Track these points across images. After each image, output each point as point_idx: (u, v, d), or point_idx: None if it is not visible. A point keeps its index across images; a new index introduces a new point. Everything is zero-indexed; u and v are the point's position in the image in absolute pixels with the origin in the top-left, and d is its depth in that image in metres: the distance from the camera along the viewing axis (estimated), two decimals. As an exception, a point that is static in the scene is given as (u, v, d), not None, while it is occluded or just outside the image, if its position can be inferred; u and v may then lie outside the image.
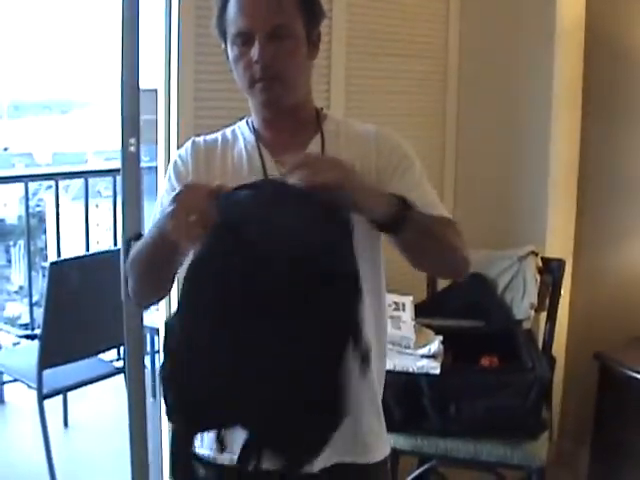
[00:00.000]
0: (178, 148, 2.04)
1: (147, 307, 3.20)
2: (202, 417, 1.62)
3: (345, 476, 1.89)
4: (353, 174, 1.65)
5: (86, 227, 5.50)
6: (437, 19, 3.89)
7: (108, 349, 4.63)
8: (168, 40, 2.99)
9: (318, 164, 1.62)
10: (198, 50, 2.95)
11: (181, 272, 1.74)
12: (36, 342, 4.03)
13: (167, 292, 1.93)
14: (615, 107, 3.81)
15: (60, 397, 4.50)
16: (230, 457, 1.75)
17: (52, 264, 4.07)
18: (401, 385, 2.94)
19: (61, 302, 4.00)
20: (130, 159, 2.96)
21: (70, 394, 4.56)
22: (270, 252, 1.51)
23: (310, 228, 1.55)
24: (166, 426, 3.24)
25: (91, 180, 5.91)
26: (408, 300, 3.18)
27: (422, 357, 3.04)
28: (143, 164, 3.08)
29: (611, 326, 3.79)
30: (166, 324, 1.66)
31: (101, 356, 4.54)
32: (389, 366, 2.91)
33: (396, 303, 3.17)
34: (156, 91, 3.06)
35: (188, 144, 1.98)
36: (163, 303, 3.09)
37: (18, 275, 16.30)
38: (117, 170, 3.33)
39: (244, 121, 2.00)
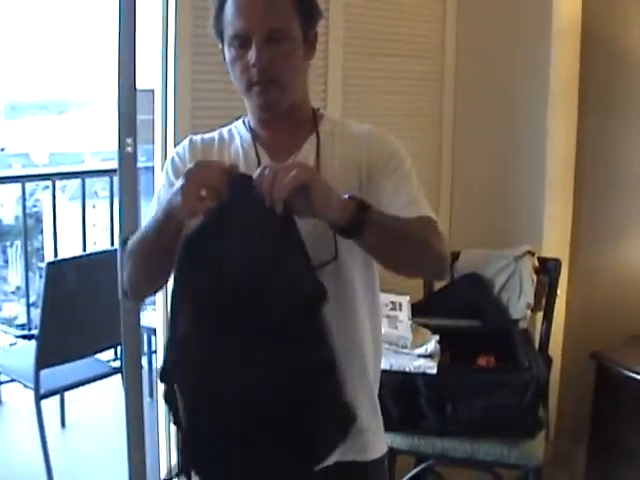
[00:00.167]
0: (175, 148, 2.05)
1: (142, 301, 3.20)
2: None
3: (345, 474, 1.91)
4: (316, 176, 1.65)
5: (83, 227, 5.49)
6: (434, 19, 3.90)
7: (105, 349, 4.62)
8: (165, 40, 2.98)
9: (280, 172, 1.59)
10: (195, 50, 2.95)
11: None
12: (33, 342, 4.03)
13: (164, 282, 1.92)
14: (611, 107, 3.82)
15: (57, 397, 4.50)
16: None
17: (49, 264, 4.07)
18: (398, 385, 2.94)
19: (58, 302, 4.00)
20: (127, 159, 2.96)
21: (67, 394, 4.56)
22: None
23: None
24: (163, 425, 3.25)
25: (88, 180, 5.90)
26: (405, 300, 3.18)
27: (419, 357, 3.04)
28: (140, 164, 3.08)
29: (607, 325, 3.80)
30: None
31: (98, 356, 4.54)
32: (386, 366, 2.94)
33: (393, 303, 3.17)
34: (153, 91, 3.06)
35: (185, 142, 1.99)
36: (160, 303, 3.10)
37: (15, 275, 16.27)
38: (114, 170, 3.32)
39: (240, 120, 2.00)
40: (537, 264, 3.52)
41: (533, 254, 3.53)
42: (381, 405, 2.03)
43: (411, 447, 3.02)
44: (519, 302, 3.46)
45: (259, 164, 1.88)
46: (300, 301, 1.61)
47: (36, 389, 3.95)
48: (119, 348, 4.40)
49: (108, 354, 4.94)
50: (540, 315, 3.50)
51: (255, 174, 1.60)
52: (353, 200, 1.66)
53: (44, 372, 3.96)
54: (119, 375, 4.20)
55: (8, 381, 4.77)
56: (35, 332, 4.09)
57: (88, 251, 5.44)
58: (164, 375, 1.74)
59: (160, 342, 3.29)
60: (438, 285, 3.64)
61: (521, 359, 3.05)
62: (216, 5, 1.85)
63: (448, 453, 2.99)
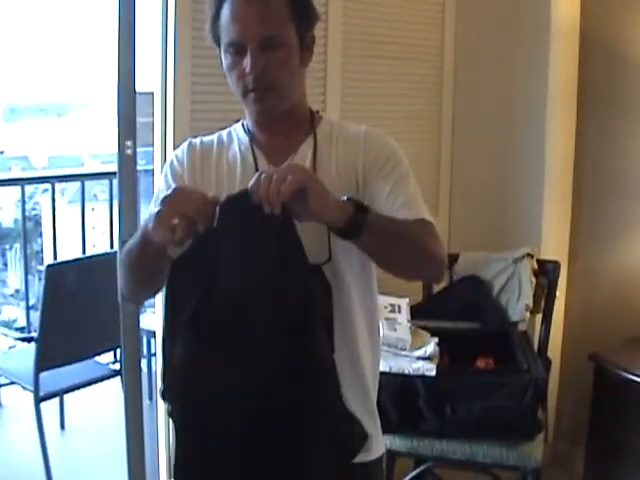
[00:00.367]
0: (174, 151, 2.05)
1: (141, 304, 3.20)
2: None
3: (341, 474, 1.90)
4: (314, 178, 1.65)
5: (82, 230, 5.49)
6: (433, 22, 3.90)
7: (105, 352, 4.63)
8: (164, 43, 2.99)
9: (276, 175, 1.58)
10: (194, 53, 2.95)
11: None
12: (33, 345, 4.04)
13: (157, 290, 1.93)
14: (610, 109, 3.82)
15: (57, 400, 4.50)
16: None
17: (49, 267, 4.08)
18: (397, 387, 2.95)
19: (58, 304, 4.00)
20: (126, 162, 2.97)
21: (67, 396, 4.56)
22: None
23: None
24: (163, 428, 3.25)
25: (87, 183, 5.90)
26: (404, 302, 3.18)
27: (418, 359, 3.04)
28: (139, 167, 3.08)
29: (606, 327, 3.80)
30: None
31: (98, 359, 4.54)
32: (385, 368, 2.94)
33: (392, 305, 3.17)
34: (152, 94, 3.07)
35: (185, 145, 2.00)
36: (160, 306, 3.10)
37: (14, 278, 16.27)
38: (113, 173, 3.33)
39: (240, 123, 2.01)
40: (536, 266, 3.52)
41: (532, 256, 3.53)
42: (380, 407, 2.03)
43: (410, 449, 3.02)
44: (518, 304, 3.46)
45: (256, 167, 1.89)
46: (300, 303, 1.62)
47: (36, 391, 3.95)
48: (118, 351, 4.40)
49: (108, 356, 4.94)
50: (539, 317, 3.50)
51: (250, 183, 1.59)
52: (351, 202, 1.67)
53: (44, 374, 3.97)
54: (118, 377, 4.21)
55: (8, 383, 4.77)
56: (35, 335, 4.09)
57: (87, 254, 5.45)
58: (165, 395, 1.75)
59: (159, 345, 3.29)
60: (437, 287, 3.65)
61: (520, 361, 3.05)
62: (212, 11, 1.85)
63: (447, 455, 2.99)
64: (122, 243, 2.88)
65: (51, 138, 22.68)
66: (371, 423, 1.98)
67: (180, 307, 1.64)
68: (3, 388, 4.97)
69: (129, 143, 2.94)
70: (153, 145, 3.11)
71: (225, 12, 1.81)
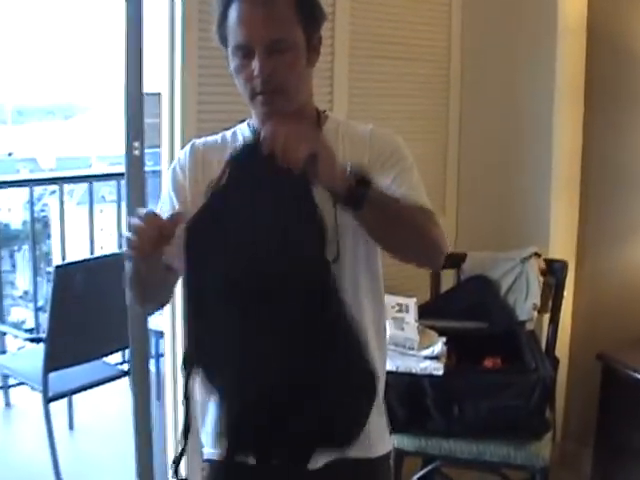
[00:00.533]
0: (177, 154, 2.07)
1: (152, 313, 3.22)
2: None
3: (348, 471, 1.92)
4: (323, 143, 1.65)
5: (90, 232, 5.50)
6: (439, 22, 3.90)
7: (113, 352, 4.64)
8: (171, 44, 3.00)
9: (291, 136, 1.58)
10: (201, 54, 2.96)
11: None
12: (41, 345, 4.05)
13: (167, 301, 1.97)
14: (618, 105, 3.81)
15: (65, 400, 4.51)
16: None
17: (57, 267, 4.09)
18: (404, 386, 2.95)
19: (66, 305, 4.02)
20: (134, 163, 2.98)
21: (75, 397, 4.58)
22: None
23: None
24: (171, 428, 3.26)
25: (95, 185, 5.91)
26: (412, 302, 3.19)
27: (425, 358, 3.04)
28: (147, 168, 3.09)
29: (614, 327, 3.79)
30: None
31: (106, 359, 4.55)
32: (392, 367, 2.95)
33: (400, 305, 3.18)
34: (160, 95, 3.08)
35: (187, 147, 2.01)
36: (168, 307, 3.11)
37: (23, 280, 16.30)
38: (121, 174, 3.34)
39: (245, 123, 2.02)
40: (543, 266, 3.52)
41: (539, 256, 3.53)
42: (388, 406, 2.04)
43: (418, 448, 3.02)
44: (525, 304, 3.46)
45: None
46: (313, 263, 1.62)
47: (44, 392, 3.97)
48: (127, 351, 4.41)
49: (116, 357, 4.95)
50: (547, 317, 3.50)
51: (263, 136, 1.59)
52: (356, 172, 1.67)
53: (52, 375, 3.98)
54: (127, 378, 4.22)
55: (17, 384, 4.79)
56: (43, 335, 4.11)
57: (96, 255, 5.46)
58: (186, 361, 1.73)
59: (167, 345, 3.30)
60: (445, 287, 3.65)
61: (528, 360, 3.05)
62: (218, 13, 1.84)
63: (455, 454, 2.99)
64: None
65: (59, 140, 22.73)
66: (378, 418, 1.99)
67: (200, 267, 1.64)
68: (12, 389, 5.00)
69: (137, 144, 2.95)
70: (160, 146, 3.12)
71: (232, 14, 1.81)
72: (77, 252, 6.10)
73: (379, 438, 1.99)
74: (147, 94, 2.97)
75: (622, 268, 3.86)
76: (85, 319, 4.07)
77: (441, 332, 3.20)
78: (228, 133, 2.02)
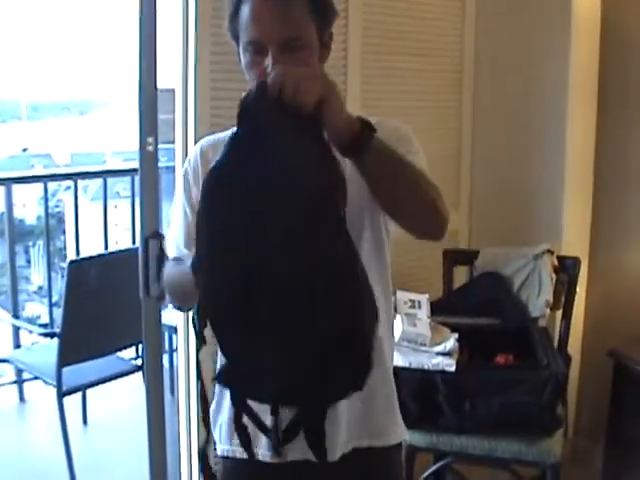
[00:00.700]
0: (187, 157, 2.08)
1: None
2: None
3: (364, 460, 1.94)
4: (332, 86, 1.59)
5: (105, 227, 5.53)
6: (453, 17, 3.90)
7: (127, 347, 4.66)
8: (185, 40, 3.01)
9: (300, 77, 1.54)
10: (215, 50, 2.97)
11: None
12: (55, 340, 4.07)
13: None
14: (631, 104, 3.81)
15: (79, 394, 4.54)
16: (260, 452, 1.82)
17: (71, 262, 4.11)
18: (417, 382, 2.96)
19: (80, 300, 4.04)
20: (148, 158, 2.98)
21: (89, 391, 4.60)
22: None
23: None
24: (184, 423, 3.27)
25: (110, 180, 5.93)
26: (424, 298, 3.20)
27: (437, 354, 3.05)
28: (161, 164, 3.10)
29: (626, 324, 3.79)
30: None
31: (120, 354, 4.58)
32: (405, 363, 2.96)
33: (412, 301, 3.19)
34: (173, 91, 3.09)
35: (196, 148, 2.03)
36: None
37: (37, 275, 16.37)
38: (135, 170, 3.35)
39: None
40: (556, 263, 3.52)
41: (552, 253, 3.53)
42: (400, 402, 2.05)
43: (429, 444, 3.04)
44: (538, 300, 3.47)
45: None
46: (320, 191, 1.54)
47: (58, 386, 3.99)
48: (140, 346, 4.43)
49: (130, 352, 4.98)
50: (559, 313, 3.50)
51: (270, 80, 1.55)
52: (361, 120, 1.63)
53: (66, 370, 4.00)
54: (140, 373, 4.23)
55: (31, 379, 4.81)
56: (57, 330, 4.13)
57: (110, 250, 5.48)
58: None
59: (181, 340, 3.31)
60: (458, 283, 3.66)
61: (540, 357, 3.05)
62: (231, 9, 1.83)
63: (466, 450, 3.00)
64: (144, 240, 2.91)
65: (74, 136, 22.84)
66: (390, 406, 2.01)
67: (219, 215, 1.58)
68: (26, 383, 5.02)
69: (150, 140, 2.95)
70: (174, 142, 3.13)
71: (244, 10, 1.80)
72: (91, 247, 6.13)
73: (392, 426, 2.01)
74: (161, 90, 2.97)
75: (635, 265, 3.85)
76: (99, 314, 4.10)
77: (453, 328, 3.21)
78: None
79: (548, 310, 3.46)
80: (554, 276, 3.49)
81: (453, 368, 2.98)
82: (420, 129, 2.08)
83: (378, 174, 1.67)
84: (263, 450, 1.87)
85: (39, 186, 5.73)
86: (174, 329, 4.44)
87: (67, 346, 3.98)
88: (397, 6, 3.63)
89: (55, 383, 3.99)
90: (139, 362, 4.63)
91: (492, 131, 4.00)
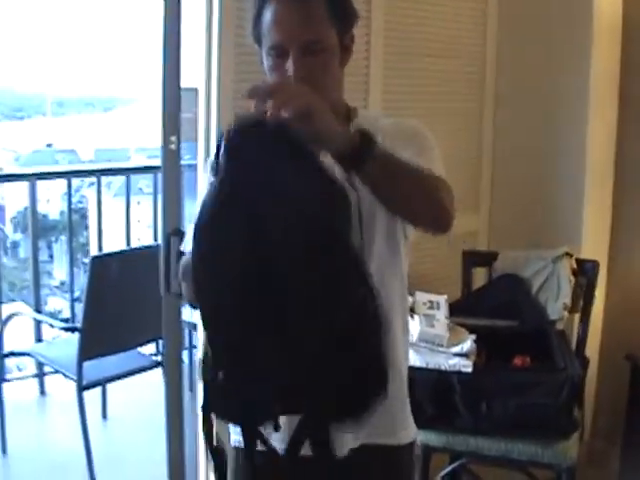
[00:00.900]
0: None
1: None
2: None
3: (374, 457, 1.96)
4: (319, 101, 1.55)
5: (127, 223, 5.56)
6: (475, 20, 3.91)
7: (147, 342, 4.69)
8: (209, 40, 3.03)
9: (285, 92, 1.52)
10: (238, 50, 2.99)
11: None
12: (76, 335, 4.10)
13: None
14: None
15: (99, 389, 4.58)
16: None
17: (94, 258, 4.15)
18: (433, 382, 2.97)
19: (102, 295, 4.07)
20: (170, 157, 3.00)
21: (109, 386, 4.63)
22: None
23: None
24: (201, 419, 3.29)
25: (133, 177, 5.94)
26: (442, 299, 3.21)
27: (455, 355, 3.06)
28: (183, 162, 3.12)
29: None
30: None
31: (140, 349, 4.60)
32: (422, 364, 2.97)
33: (431, 302, 3.20)
34: (197, 90, 3.11)
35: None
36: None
37: (60, 270, 16.47)
38: (158, 167, 3.38)
39: None
40: (575, 266, 3.52)
41: (571, 256, 3.53)
42: (416, 402, 2.07)
43: (445, 444, 3.04)
44: (556, 303, 3.47)
45: None
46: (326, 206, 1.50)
47: (78, 381, 4.02)
48: (160, 342, 4.45)
49: (150, 348, 5.00)
50: (577, 316, 3.50)
51: (249, 93, 1.53)
52: (361, 132, 1.61)
53: (87, 364, 4.03)
54: (160, 368, 4.26)
55: (51, 372, 4.84)
56: (78, 325, 4.16)
57: (132, 247, 5.52)
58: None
59: (200, 337, 3.34)
60: (476, 285, 3.67)
61: (557, 359, 3.05)
62: (254, 12, 1.86)
63: (482, 451, 3.00)
64: (166, 236, 2.93)
65: (98, 132, 22.94)
66: (402, 405, 2.03)
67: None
68: (47, 377, 5.06)
69: (173, 138, 2.98)
70: (197, 140, 3.16)
71: (267, 15, 1.82)
72: (114, 243, 6.16)
73: (403, 424, 2.03)
74: (184, 89, 3.00)
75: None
76: (120, 309, 4.12)
77: (471, 330, 3.21)
78: None
79: (566, 313, 3.46)
80: (573, 279, 3.49)
81: (470, 369, 2.99)
82: (441, 131, 2.09)
83: (381, 183, 1.66)
84: (276, 443, 1.88)
85: (63, 182, 5.75)
86: (194, 326, 4.46)
87: (88, 341, 4.02)
88: (419, 8, 3.64)
89: (75, 377, 4.02)
90: (159, 358, 4.66)
91: (513, 133, 4.00)
